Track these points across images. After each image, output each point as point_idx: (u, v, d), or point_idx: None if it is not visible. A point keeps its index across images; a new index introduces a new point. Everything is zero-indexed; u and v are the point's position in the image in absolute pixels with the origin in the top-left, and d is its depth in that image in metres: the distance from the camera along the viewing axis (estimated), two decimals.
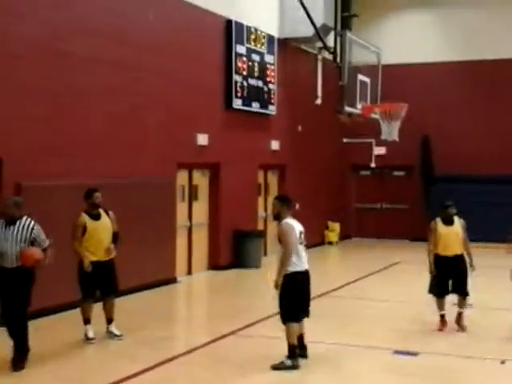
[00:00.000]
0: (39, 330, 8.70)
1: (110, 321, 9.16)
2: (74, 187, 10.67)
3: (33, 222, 7.90)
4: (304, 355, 8.07)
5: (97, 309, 9.20)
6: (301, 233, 7.96)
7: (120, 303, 11.35)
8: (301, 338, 8.09)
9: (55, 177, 10.52)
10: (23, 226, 7.83)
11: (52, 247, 7.96)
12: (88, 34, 11.27)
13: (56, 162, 10.60)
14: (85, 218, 8.94)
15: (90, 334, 8.92)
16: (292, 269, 7.81)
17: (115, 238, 9.20)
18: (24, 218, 7.91)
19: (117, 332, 9.09)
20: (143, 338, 9.26)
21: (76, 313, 9.24)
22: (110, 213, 9.20)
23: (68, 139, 10.90)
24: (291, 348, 7.79)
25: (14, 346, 7.80)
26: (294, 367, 7.73)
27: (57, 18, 10.70)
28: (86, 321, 8.98)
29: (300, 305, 7.91)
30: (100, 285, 9.05)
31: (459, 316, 9.81)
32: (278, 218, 8.01)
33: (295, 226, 7.93)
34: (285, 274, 7.81)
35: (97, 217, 9.01)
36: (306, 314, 8.07)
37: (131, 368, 7.73)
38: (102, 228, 9.00)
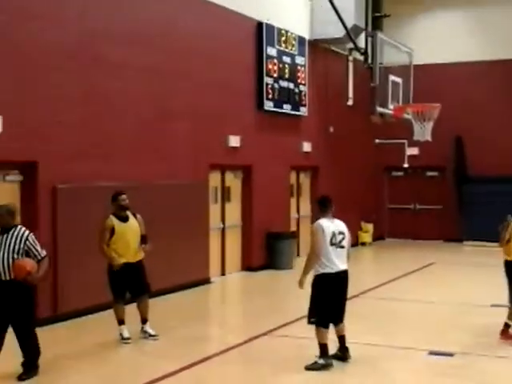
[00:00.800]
0: (76, 330, 8.79)
1: (144, 321, 9.22)
2: (107, 189, 10.79)
3: (27, 232, 7.40)
4: (344, 357, 8.01)
5: (133, 309, 9.29)
6: (340, 233, 7.88)
7: (155, 304, 11.46)
8: (341, 339, 8.05)
9: (89, 179, 10.66)
10: (17, 236, 7.32)
11: (47, 259, 7.55)
12: (120, 41, 11.40)
13: (90, 165, 10.74)
14: (113, 220, 8.94)
15: (126, 334, 8.99)
16: (322, 270, 7.75)
17: (144, 241, 9.21)
18: (18, 227, 7.44)
19: (152, 332, 9.15)
20: (178, 338, 9.33)
21: (111, 313, 9.32)
22: (138, 216, 9.19)
23: (102, 143, 11.03)
24: (321, 347, 7.78)
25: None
26: (327, 366, 7.73)
27: (89, 25, 10.83)
28: (120, 322, 9.05)
29: (325, 308, 7.80)
30: (130, 286, 9.09)
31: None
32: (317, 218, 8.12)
33: (327, 227, 7.81)
34: (315, 275, 7.79)
35: (125, 219, 9.01)
36: (338, 320, 7.96)
37: (166, 367, 7.80)
38: (130, 230, 9.00)
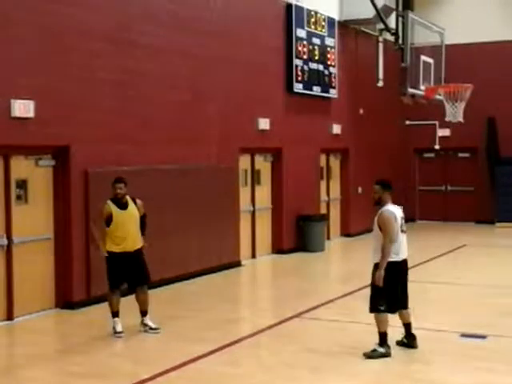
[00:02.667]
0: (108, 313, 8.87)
1: (144, 313, 8.79)
2: (139, 173, 10.91)
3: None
4: (411, 345, 7.85)
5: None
6: (402, 218, 7.68)
7: (186, 286, 11.59)
8: (407, 326, 7.89)
9: (121, 163, 10.74)
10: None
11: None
12: (152, 24, 11.43)
13: (122, 149, 10.81)
14: (111, 207, 8.57)
15: (119, 328, 8.55)
16: (390, 258, 7.54)
17: (142, 222, 8.79)
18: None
19: (153, 325, 8.73)
20: (210, 320, 9.40)
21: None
22: (138, 201, 8.78)
23: (133, 126, 11.09)
24: (381, 335, 7.61)
25: None
26: (386, 355, 7.54)
27: (122, 9, 10.87)
28: (114, 314, 8.62)
29: (393, 296, 7.63)
30: (129, 276, 8.68)
31: None
32: (379, 203, 7.63)
33: (396, 213, 7.61)
34: (379, 263, 7.53)
35: (124, 206, 8.62)
36: (403, 306, 7.81)
37: (199, 349, 7.87)
38: (129, 218, 8.61)
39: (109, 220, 8.56)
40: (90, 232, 8.83)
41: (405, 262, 7.76)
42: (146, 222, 8.90)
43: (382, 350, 7.58)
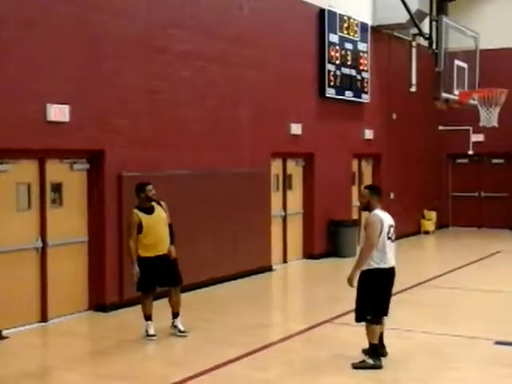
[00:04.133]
0: (140, 315, 8.94)
1: (175, 315, 8.79)
2: (171, 177, 10.99)
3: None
4: (383, 353, 7.65)
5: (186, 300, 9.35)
6: (390, 226, 7.48)
7: (217, 291, 11.63)
8: (380, 336, 7.69)
9: (154, 168, 10.83)
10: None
11: None
12: (183, 30, 11.50)
13: (155, 154, 10.90)
14: (139, 214, 8.55)
15: (151, 331, 8.58)
16: (376, 265, 7.39)
17: (171, 231, 8.77)
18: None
19: (182, 327, 8.74)
20: (240, 325, 9.42)
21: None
22: (163, 203, 8.77)
23: (166, 131, 11.18)
24: (373, 347, 7.46)
25: None
26: (376, 367, 7.36)
27: (152, 15, 10.96)
28: (147, 317, 8.65)
29: (379, 305, 7.49)
30: (162, 278, 8.68)
31: None
32: (367, 208, 7.57)
33: (384, 219, 7.44)
34: (367, 270, 7.39)
35: (150, 210, 8.61)
36: (385, 313, 7.64)
37: (230, 353, 7.90)
38: (158, 221, 8.60)
39: (139, 228, 8.53)
40: (127, 246, 8.73)
41: (392, 269, 7.54)
42: (174, 231, 8.87)
43: (371, 361, 7.41)
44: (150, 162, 10.79)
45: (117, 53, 10.30)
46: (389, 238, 7.44)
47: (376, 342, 7.48)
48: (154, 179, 10.62)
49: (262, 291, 12.31)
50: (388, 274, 7.51)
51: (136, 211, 8.62)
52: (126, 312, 10.01)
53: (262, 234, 13.34)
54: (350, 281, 7.49)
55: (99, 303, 10.12)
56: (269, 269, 13.57)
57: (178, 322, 8.80)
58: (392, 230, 7.52)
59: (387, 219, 7.52)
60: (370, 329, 7.50)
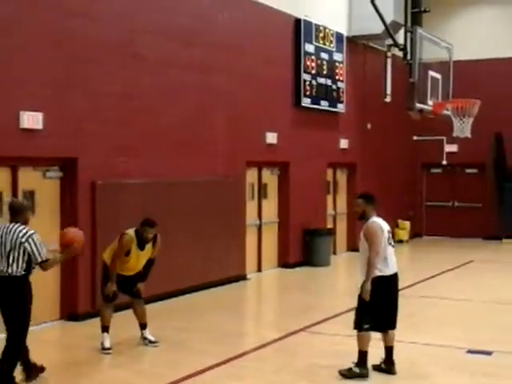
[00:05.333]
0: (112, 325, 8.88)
1: (143, 326, 8.71)
2: (145, 185, 10.95)
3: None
4: (390, 371, 7.46)
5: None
6: (389, 232, 7.46)
7: (191, 300, 11.58)
8: (389, 350, 7.51)
9: (128, 176, 10.78)
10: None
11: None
12: (159, 37, 11.48)
13: (129, 162, 10.85)
14: (133, 244, 8.35)
15: (107, 344, 8.37)
16: (379, 272, 7.27)
17: (149, 265, 8.61)
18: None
19: (152, 338, 8.66)
20: (214, 334, 9.39)
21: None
22: (158, 239, 8.57)
23: (141, 139, 11.13)
24: (361, 355, 7.32)
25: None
26: (362, 376, 7.27)
27: (127, 21, 10.93)
28: (104, 328, 8.46)
29: (380, 315, 7.34)
30: (125, 290, 8.61)
31: None
32: (363, 217, 7.47)
33: (383, 226, 7.43)
34: (377, 277, 7.26)
35: (144, 245, 8.45)
36: (391, 325, 7.46)
37: (202, 363, 7.85)
38: (143, 256, 8.50)
39: (126, 253, 8.37)
40: (108, 262, 8.46)
41: (395, 276, 7.47)
42: (152, 267, 8.70)
43: (357, 370, 7.28)
44: (123, 169, 10.73)
45: (91, 59, 10.24)
46: (389, 244, 7.43)
47: (365, 349, 7.33)
48: (128, 187, 10.61)
49: (236, 300, 12.28)
50: (391, 280, 7.42)
51: (133, 237, 8.35)
52: (98, 321, 9.90)
53: (236, 243, 13.32)
54: (365, 293, 7.23)
55: (71, 312, 10.03)
56: (243, 278, 13.54)
57: (147, 333, 8.71)
58: (390, 235, 7.51)
59: (385, 225, 7.49)
60: (361, 336, 7.34)
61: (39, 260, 6.84)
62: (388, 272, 7.37)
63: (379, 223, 7.44)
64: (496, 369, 7.86)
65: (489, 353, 8.41)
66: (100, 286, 8.80)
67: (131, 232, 8.43)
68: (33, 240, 6.82)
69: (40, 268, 6.97)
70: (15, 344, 6.79)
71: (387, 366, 7.52)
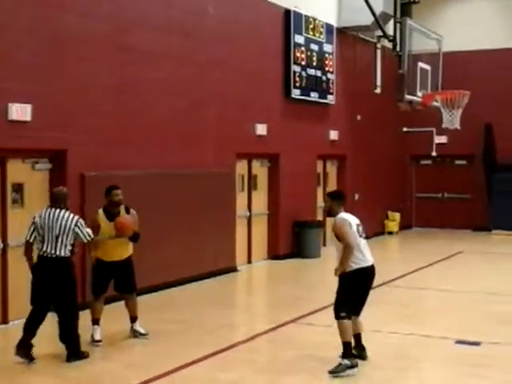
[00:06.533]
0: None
1: (133, 319, 8.71)
2: (135, 178, 10.91)
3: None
4: (361, 356, 7.59)
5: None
6: (358, 225, 7.59)
7: (181, 292, 11.58)
8: (358, 336, 7.66)
9: (118, 168, 10.74)
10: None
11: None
12: (150, 29, 11.44)
13: (118, 154, 10.82)
14: (100, 217, 8.41)
15: (97, 336, 8.39)
16: (357, 265, 7.40)
17: (135, 238, 8.54)
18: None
19: (142, 330, 8.67)
20: (204, 326, 9.39)
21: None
22: (132, 212, 8.55)
23: (130, 131, 11.10)
24: (345, 346, 7.35)
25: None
26: (352, 366, 7.26)
27: (120, 13, 10.89)
28: (95, 321, 8.47)
29: (355, 302, 7.51)
30: (117, 284, 8.62)
31: None
32: (330, 214, 7.70)
33: (351, 220, 7.53)
34: (349, 272, 7.40)
35: (114, 216, 8.39)
36: (357, 312, 7.61)
37: (193, 354, 7.86)
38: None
39: (97, 230, 8.32)
40: (92, 244, 8.32)
41: (373, 266, 7.59)
42: (138, 238, 8.62)
43: (346, 362, 7.27)
44: (113, 162, 10.69)
45: (82, 52, 10.19)
46: (360, 236, 7.54)
47: (349, 339, 7.39)
48: (118, 179, 10.52)
49: (226, 292, 12.28)
50: (369, 272, 7.56)
51: (100, 213, 8.49)
52: (86, 314, 9.88)
53: (226, 235, 13.32)
54: (337, 271, 7.46)
55: None
56: (233, 269, 13.55)
57: (137, 326, 8.72)
58: (361, 228, 7.62)
59: (353, 219, 7.61)
60: (342, 326, 7.38)
61: (85, 241, 7.84)
62: (365, 264, 7.50)
63: (345, 218, 7.55)
64: (484, 359, 7.91)
65: (477, 343, 8.46)
66: (91, 280, 8.77)
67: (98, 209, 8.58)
68: (81, 224, 7.76)
69: (86, 246, 8.22)
70: (70, 321, 7.71)
71: (358, 352, 7.63)
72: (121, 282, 8.64)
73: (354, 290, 7.47)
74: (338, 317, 7.42)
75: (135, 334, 8.70)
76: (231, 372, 7.49)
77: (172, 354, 8.06)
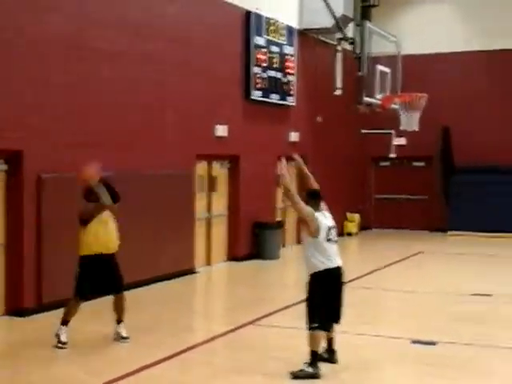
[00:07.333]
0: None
1: (119, 321, 8.58)
2: None
3: None
4: (332, 360, 7.57)
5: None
6: (330, 228, 7.37)
7: (139, 293, 11.50)
8: (330, 341, 7.61)
9: (75, 169, 10.59)
10: None
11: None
12: (106, 28, 11.33)
13: (76, 155, 10.65)
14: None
15: (63, 338, 8.20)
16: (323, 266, 7.24)
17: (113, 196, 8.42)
18: None
19: (124, 334, 8.52)
20: (162, 327, 9.35)
21: (93, 303, 9.28)
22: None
23: (88, 132, 10.98)
24: (312, 354, 7.20)
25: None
26: (315, 376, 7.13)
27: (78, 13, 10.77)
28: (65, 322, 8.26)
29: (327, 311, 7.29)
30: (102, 283, 8.42)
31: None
32: None
33: (322, 220, 7.32)
34: (314, 273, 7.27)
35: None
36: (336, 319, 7.46)
37: (151, 357, 7.82)
38: (104, 218, 8.32)
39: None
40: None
41: (339, 269, 7.41)
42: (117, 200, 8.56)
43: (310, 370, 7.15)
44: (71, 163, 10.54)
45: (37, 50, 10.04)
46: (329, 240, 7.35)
47: (317, 349, 7.27)
48: (76, 181, 10.42)
49: (185, 294, 12.24)
50: (335, 274, 7.36)
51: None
52: (44, 316, 9.78)
53: (185, 237, 13.27)
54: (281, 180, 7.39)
55: (16, 308, 9.85)
56: (192, 271, 13.50)
57: (122, 328, 8.55)
58: (333, 232, 7.41)
59: (325, 220, 7.41)
60: (312, 335, 7.23)
61: None
62: (332, 264, 7.34)
63: (316, 214, 7.32)
64: (439, 358, 8.02)
65: (433, 343, 8.57)
66: (76, 276, 8.41)
67: None
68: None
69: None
70: None
71: (329, 355, 7.62)
72: (109, 281, 8.41)
73: (323, 295, 7.27)
74: (309, 327, 7.26)
75: (117, 336, 8.52)
76: (189, 374, 7.48)
77: (130, 356, 8.01)
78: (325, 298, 7.29)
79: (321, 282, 7.29)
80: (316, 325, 7.23)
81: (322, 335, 7.35)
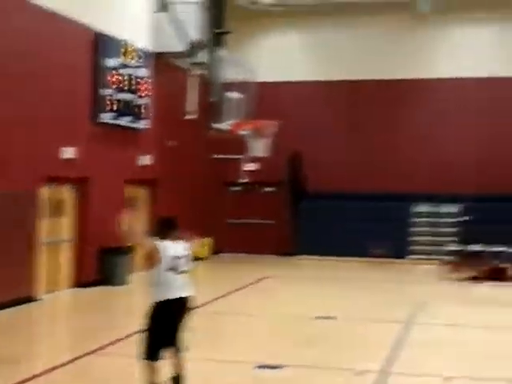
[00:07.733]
0: None
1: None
2: None
3: None
4: None
5: None
6: (176, 258, 7.07)
7: None
8: (177, 368, 7.15)
9: None
10: None
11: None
12: None
13: None
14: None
15: None
16: (161, 297, 6.98)
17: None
18: None
19: None
20: (1, 357, 8.85)
21: None
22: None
23: None
24: None
25: None
26: None
27: None
28: None
29: (162, 340, 7.01)
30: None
31: None
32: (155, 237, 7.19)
33: (168, 248, 7.05)
34: (152, 303, 7.02)
35: None
36: (172, 348, 7.11)
37: None
38: None
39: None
40: None
41: (180, 300, 7.11)
42: None
43: None
44: None
45: None
46: (172, 270, 7.05)
47: (151, 381, 6.94)
48: None
49: (24, 322, 11.66)
50: (175, 306, 7.06)
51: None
52: None
53: (26, 262, 12.66)
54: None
55: None
56: (33, 299, 12.86)
57: None
58: (180, 261, 7.11)
59: (173, 251, 7.09)
60: (144, 368, 6.98)
61: None
62: (170, 296, 7.03)
63: (161, 243, 7.11)
64: (283, 382, 8.11)
65: (277, 367, 8.64)
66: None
67: None
68: None
69: None
70: None
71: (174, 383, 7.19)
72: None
73: (157, 326, 6.98)
74: (141, 357, 7.01)
75: None
76: None
77: None
78: (160, 329, 7.02)
79: (157, 313, 7.04)
80: (145, 356, 6.96)
81: (154, 367, 7.00)
